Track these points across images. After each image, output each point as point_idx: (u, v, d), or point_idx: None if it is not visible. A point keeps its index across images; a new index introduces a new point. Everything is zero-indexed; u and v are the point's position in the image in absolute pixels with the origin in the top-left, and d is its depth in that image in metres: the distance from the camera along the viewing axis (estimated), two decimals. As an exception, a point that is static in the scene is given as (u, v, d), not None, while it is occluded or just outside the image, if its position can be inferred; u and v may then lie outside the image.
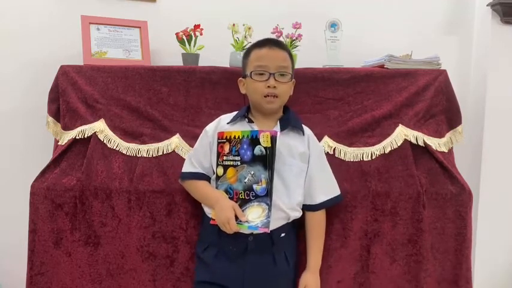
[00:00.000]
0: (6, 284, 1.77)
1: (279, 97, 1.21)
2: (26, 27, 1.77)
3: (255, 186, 1.13)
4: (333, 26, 1.67)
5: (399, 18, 1.88)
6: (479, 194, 1.79)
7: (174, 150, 1.39)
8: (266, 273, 1.19)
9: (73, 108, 1.44)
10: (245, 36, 1.61)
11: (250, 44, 1.29)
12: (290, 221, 1.22)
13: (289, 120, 1.26)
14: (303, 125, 1.29)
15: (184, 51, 1.65)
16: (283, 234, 1.21)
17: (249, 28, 1.61)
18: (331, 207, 1.28)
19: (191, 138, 1.39)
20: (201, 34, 1.64)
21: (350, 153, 1.38)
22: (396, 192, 1.34)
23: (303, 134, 1.26)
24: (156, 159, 1.38)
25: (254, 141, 1.14)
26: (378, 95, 1.47)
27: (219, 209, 1.15)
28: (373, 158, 1.38)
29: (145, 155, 1.38)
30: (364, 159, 1.38)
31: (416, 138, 1.40)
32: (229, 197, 1.17)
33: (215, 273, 1.21)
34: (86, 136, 1.40)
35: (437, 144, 1.42)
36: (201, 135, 1.30)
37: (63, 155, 1.41)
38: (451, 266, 1.37)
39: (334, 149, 1.38)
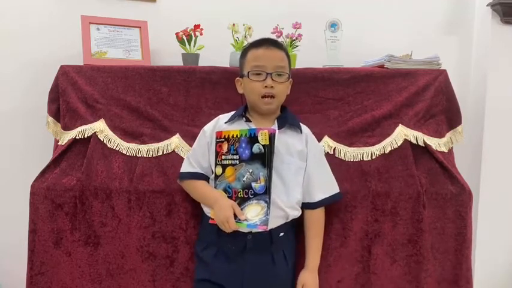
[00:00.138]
0: (6, 284, 1.77)
1: (276, 97, 1.21)
2: (26, 27, 1.77)
3: (253, 184, 1.14)
4: (333, 26, 1.67)
5: (399, 18, 1.88)
6: (479, 194, 1.79)
7: (174, 150, 1.39)
8: (265, 273, 1.19)
9: (73, 108, 1.44)
10: (245, 36, 1.61)
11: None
12: (289, 220, 1.22)
13: (287, 119, 1.26)
14: (300, 123, 1.29)
15: (184, 51, 1.65)
16: (282, 234, 1.21)
17: (249, 28, 1.61)
18: (330, 206, 1.28)
19: (191, 138, 1.39)
20: (201, 34, 1.64)
21: (350, 153, 1.38)
22: (396, 192, 1.34)
23: (301, 132, 1.27)
24: (156, 159, 1.38)
25: (252, 139, 1.15)
26: (378, 95, 1.47)
27: (218, 208, 1.15)
28: (373, 158, 1.38)
29: (145, 155, 1.38)
30: (364, 159, 1.38)
31: (417, 138, 1.40)
32: (228, 196, 1.18)
33: (214, 273, 1.21)
34: (86, 136, 1.40)
35: (437, 144, 1.42)
36: (199, 135, 1.31)
37: (63, 155, 1.41)
38: (451, 266, 1.37)
39: (334, 149, 1.38)
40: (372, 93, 1.47)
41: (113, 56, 1.62)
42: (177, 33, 1.63)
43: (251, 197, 1.14)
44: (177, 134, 1.42)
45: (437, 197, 1.35)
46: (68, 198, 1.33)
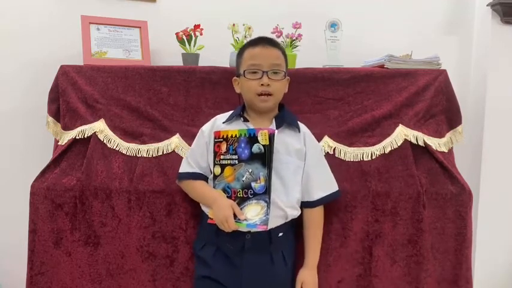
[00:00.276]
0: (6, 284, 1.77)
1: (273, 95, 1.21)
2: (26, 27, 1.77)
3: (253, 184, 1.14)
4: (333, 26, 1.67)
5: (399, 18, 1.88)
6: (479, 194, 1.79)
7: (174, 150, 1.39)
8: (263, 273, 1.19)
9: (73, 108, 1.44)
10: (245, 36, 1.61)
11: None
12: (288, 220, 1.22)
13: (284, 118, 1.26)
14: (298, 122, 1.29)
15: (184, 51, 1.65)
16: (281, 234, 1.21)
17: (249, 28, 1.61)
18: (330, 206, 1.28)
19: (191, 138, 1.38)
20: (201, 34, 1.64)
21: (350, 153, 1.38)
22: (396, 192, 1.34)
23: (299, 131, 1.26)
24: (156, 159, 1.38)
25: (252, 139, 1.15)
26: (378, 95, 1.47)
27: (217, 207, 1.15)
28: (373, 158, 1.38)
29: (145, 155, 1.38)
30: (364, 159, 1.37)
31: (417, 138, 1.40)
32: (227, 196, 1.18)
33: (213, 273, 1.21)
34: (86, 136, 1.40)
35: (437, 144, 1.42)
36: (198, 135, 1.31)
37: (63, 155, 1.41)
38: (451, 266, 1.37)
39: (334, 149, 1.38)
40: (372, 93, 1.47)
41: (113, 56, 1.62)
42: (177, 33, 1.63)
43: (251, 196, 1.14)
44: (177, 134, 1.42)
45: (437, 197, 1.35)
46: (68, 198, 1.33)
